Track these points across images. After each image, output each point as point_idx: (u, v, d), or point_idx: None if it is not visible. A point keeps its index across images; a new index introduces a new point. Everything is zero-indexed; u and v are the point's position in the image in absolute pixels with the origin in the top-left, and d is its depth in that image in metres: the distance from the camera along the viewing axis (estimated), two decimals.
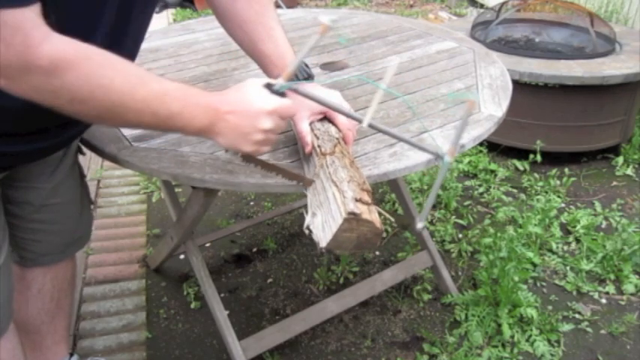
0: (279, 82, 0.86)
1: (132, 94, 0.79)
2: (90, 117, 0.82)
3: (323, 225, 0.85)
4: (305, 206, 0.93)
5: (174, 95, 0.83)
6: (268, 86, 0.87)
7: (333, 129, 1.02)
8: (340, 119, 1.02)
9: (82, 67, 0.74)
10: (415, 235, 1.98)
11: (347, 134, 1.02)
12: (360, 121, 0.89)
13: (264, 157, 1.07)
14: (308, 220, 0.88)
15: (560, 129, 2.60)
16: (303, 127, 1.01)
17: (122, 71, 0.79)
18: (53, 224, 1.24)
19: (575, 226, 2.22)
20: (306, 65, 1.08)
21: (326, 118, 1.04)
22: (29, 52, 0.69)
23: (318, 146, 0.95)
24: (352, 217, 0.80)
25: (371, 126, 0.88)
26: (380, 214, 0.86)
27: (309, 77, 1.07)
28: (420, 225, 0.88)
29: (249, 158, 0.94)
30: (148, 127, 0.91)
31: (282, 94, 0.87)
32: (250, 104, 0.85)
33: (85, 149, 1.19)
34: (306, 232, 0.87)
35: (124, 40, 0.94)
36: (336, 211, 0.82)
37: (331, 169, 0.90)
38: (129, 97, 0.79)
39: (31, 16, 0.70)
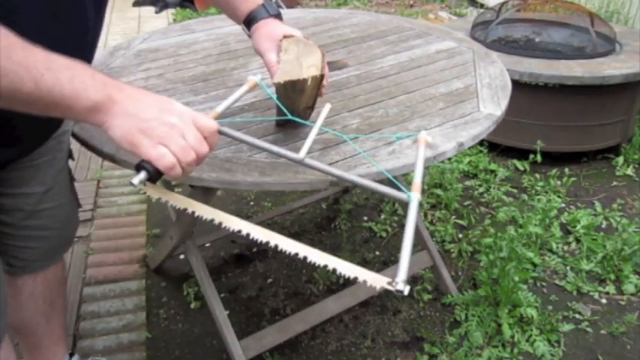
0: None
1: (8, 54, 0.66)
2: None
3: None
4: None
5: (63, 63, 0.72)
6: None
7: None
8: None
9: None
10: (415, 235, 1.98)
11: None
12: None
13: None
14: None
15: (560, 129, 2.60)
16: (271, 58, 1.06)
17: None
18: (44, 230, 1.22)
19: (575, 226, 2.22)
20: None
21: None
22: None
23: None
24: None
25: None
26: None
27: (278, 14, 1.13)
28: (400, 286, 0.74)
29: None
30: (27, 101, 0.70)
31: None
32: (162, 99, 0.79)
33: (84, 150, 1.19)
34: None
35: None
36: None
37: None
38: (3, 56, 0.66)
39: None
